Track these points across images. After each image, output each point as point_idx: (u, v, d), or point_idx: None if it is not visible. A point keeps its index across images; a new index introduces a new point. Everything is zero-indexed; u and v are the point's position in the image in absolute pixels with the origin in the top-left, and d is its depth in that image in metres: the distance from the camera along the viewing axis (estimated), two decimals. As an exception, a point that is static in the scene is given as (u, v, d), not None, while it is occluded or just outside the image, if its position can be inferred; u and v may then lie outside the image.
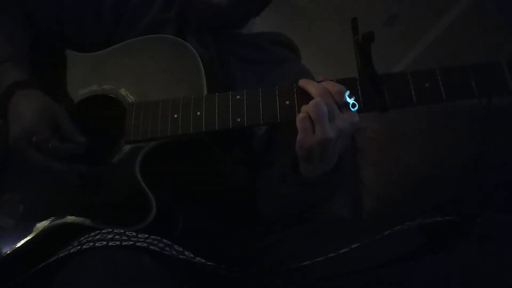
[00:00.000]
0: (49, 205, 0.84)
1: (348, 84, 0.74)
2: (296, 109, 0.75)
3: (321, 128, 0.70)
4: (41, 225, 0.82)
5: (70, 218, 0.81)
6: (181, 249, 0.69)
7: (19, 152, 0.80)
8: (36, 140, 0.78)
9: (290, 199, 0.86)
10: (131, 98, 0.86)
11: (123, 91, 0.87)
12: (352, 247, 0.68)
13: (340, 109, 0.71)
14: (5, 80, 0.83)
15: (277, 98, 0.76)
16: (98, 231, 0.69)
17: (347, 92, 0.72)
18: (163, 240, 0.69)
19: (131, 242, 0.65)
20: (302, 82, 0.74)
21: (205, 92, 0.82)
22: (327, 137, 0.69)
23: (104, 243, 0.65)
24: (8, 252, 0.81)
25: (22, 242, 0.81)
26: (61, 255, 0.66)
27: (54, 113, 0.82)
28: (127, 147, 0.83)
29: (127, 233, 0.69)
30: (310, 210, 0.91)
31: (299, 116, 0.71)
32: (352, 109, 0.72)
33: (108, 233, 0.68)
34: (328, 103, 0.70)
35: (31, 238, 0.81)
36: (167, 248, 0.67)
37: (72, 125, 0.84)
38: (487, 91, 0.69)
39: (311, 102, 0.70)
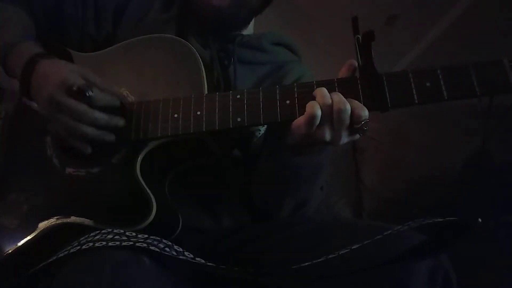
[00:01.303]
0: (51, 205, 0.84)
1: (349, 83, 0.74)
2: (297, 109, 0.74)
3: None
4: (43, 225, 0.81)
5: (72, 217, 0.81)
6: (181, 249, 0.69)
7: (57, 107, 0.79)
8: (77, 88, 0.77)
9: (276, 174, 0.87)
10: (131, 98, 0.86)
11: (123, 91, 0.87)
12: (352, 248, 0.67)
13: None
14: (26, 54, 0.84)
15: (278, 98, 0.76)
16: (97, 231, 0.69)
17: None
18: (163, 240, 0.69)
19: (131, 243, 0.65)
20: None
21: (206, 92, 0.82)
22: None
23: (104, 243, 0.65)
24: (10, 251, 0.80)
25: (23, 241, 0.81)
26: (60, 255, 0.66)
27: (84, 70, 0.82)
28: (127, 147, 0.83)
29: (126, 233, 0.69)
30: (294, 192, 0.91)
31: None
32: None
33: (108, 233, 0.68)
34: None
35: (32, 237, 0.81)
36: (167, 249, 0.67)
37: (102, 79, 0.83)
38: (489, 90, 0.68)
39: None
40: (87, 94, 0.78)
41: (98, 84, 0.81)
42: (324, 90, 0.73)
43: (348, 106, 0.70)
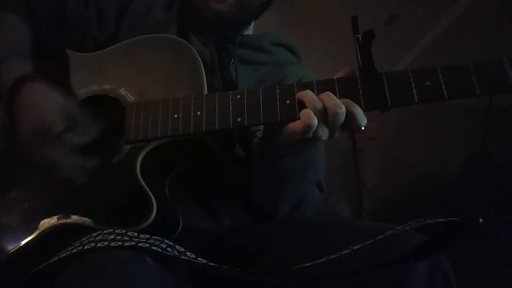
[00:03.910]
0: (52, 204, 0.84)
1: (349, 83, 0.74)
2: (297, 108, 0.74)
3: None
4: (45, 223, 0.81)
5: (73, 218, 0.80)
6: (183, 249, 0.69)
7: (31, 148, 0.79)
8: (51, 135, 0.77)
9: (266, 174, 0.87)
10: (131, 98, 0.86)
11: (123, 91, 0.87)
12: (354, 248, 0.67)
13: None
14: (13, 73, 0.82)
15: (278, 98, 0.76)
16: (99, 232, 0.69)
17: None
18: (165, 240, 0.69)
19: (133, 243, 0.65)
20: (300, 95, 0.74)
21: (205, 92, 0.82)
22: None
23: (106, 243, 0.65)
24: (11, 251, 0.80)
25: (25, 241, 0.81)
26: (62, 255, 0.66)
27: (65, 105, 0.81)
28: (127, 147, 0.83)
29: (128, 233, 0.69)
30: (288, 191, 0.91)
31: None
32: None
33: (110, 233, 0.68)
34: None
35: (33, 238, 0.80)
36: (168, 249, 0.67)
37: (84, 114, 0.83)
38: (489, 89, 0.68)
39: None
40: (61, 141, 0.77)
41: (78, 121, 0.81)
42: (310, 93, 0.72)
43: (344, 109, 0.70)
